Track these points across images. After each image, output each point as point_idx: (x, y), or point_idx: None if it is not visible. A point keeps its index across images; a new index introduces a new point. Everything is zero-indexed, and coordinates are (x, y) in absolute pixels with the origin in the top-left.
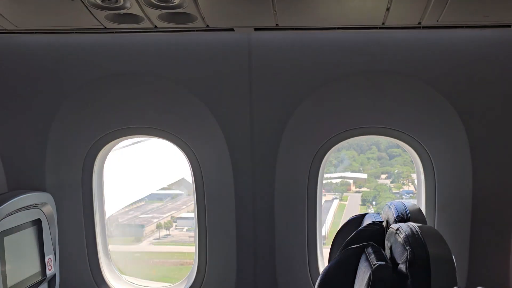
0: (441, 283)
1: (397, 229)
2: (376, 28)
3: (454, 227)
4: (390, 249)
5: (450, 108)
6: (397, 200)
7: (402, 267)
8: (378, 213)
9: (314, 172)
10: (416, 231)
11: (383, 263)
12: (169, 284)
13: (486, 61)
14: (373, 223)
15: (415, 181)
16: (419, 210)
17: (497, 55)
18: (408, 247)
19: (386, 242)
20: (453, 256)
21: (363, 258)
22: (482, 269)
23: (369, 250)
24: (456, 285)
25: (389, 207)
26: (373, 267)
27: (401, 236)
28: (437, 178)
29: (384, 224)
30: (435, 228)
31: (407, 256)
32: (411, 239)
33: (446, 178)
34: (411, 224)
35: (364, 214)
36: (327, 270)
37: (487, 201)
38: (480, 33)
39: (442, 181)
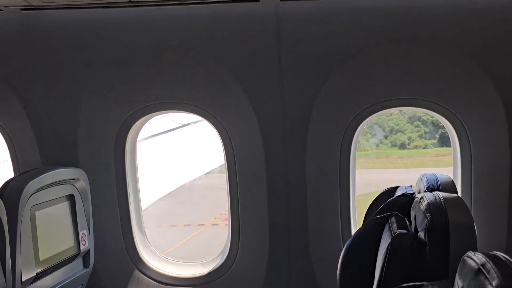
0: (460, 250)
1: (421, 197)
2: None
3: (491, 202)
4: (415, 218)
5: (488, 80)
6: (430, 173)
7: (421, 234)
8: (411, 186)
9: (346, 146)
10: (439, 198)
11: (404, 231)
12: (203, 260)
13: None
14: (403, 195)
15: None
16: (452, 182)
17: None
18: (428, 214)
19: (411, 212)
20: (475, 225)
21: (386, 227)
22: None
23: (392, 219)
24: None
25: (421, 178)
26: (393, 235)
27: (424, 204)
28: (473, 152)
29: (415, 196)
30: (472, 202)
31: (426, 223)
32: (432, 207)
33: (482, 152)
34: (437, 192)
35: (397, 187)
36: (351, 241)
37: None
38: None
39: (479, 155)
